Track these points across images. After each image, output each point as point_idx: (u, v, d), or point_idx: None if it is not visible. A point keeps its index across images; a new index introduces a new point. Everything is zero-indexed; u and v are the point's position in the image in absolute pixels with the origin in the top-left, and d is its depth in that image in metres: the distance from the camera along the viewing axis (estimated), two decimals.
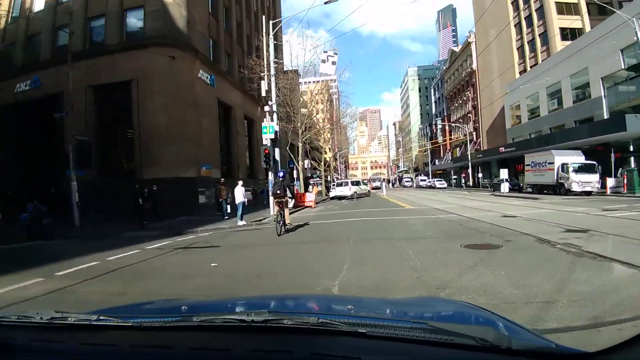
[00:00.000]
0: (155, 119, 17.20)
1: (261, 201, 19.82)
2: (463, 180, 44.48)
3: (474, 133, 50.47)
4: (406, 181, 70.96)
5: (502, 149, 34.32)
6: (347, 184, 29.96)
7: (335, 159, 72.78)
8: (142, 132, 17.34)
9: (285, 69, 24.31)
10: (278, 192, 8.66)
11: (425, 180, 57.62)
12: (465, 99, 53.94)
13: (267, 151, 14.71)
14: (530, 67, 41.11)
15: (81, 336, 1.06)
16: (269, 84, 15.51)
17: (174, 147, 16.87)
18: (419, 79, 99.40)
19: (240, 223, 11.66)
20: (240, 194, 11.68)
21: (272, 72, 15.73)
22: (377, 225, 10.05)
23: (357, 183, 30.63)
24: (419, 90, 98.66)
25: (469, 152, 41.23)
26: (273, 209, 14.85)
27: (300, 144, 23.17)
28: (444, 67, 67.67)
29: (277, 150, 16.00)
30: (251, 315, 0.99)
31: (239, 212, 11.63)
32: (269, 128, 15.07)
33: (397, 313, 1.44)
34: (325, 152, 50.02)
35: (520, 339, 0.96)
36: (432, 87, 77.05)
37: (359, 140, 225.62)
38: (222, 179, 15.55)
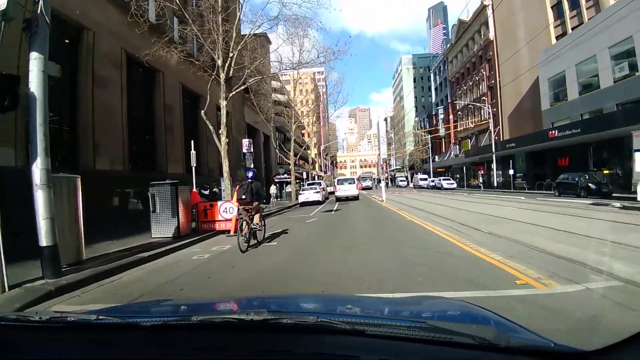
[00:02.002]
0: None
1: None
2: (481, 179, 33.81)
3: (491, 121, 39.95)
4: (400, 181, 60.72)
5: (554, 133, 23.58)
6: (318, 185, 19.18)
7: (319, 154, 61.86)
8: None
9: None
10: (243, 197, 6.74)
11: (426, 179, 47.22)
12: (477, 78, 43.39)
13: None
14: (572, 28, 30.49)
15: (80, 336, 1.04)
16: None
17: None
18: (413, 68, 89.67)
19: None
20: None
21: None
22: None
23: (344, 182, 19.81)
24: (414, 81, 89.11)
25: (493, 142, 30.51)
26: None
27: (223, 104, 11.71)
28: (448, 45, 57.14)
29: (38, 58, 4.51)
30: (250, 315, 0.96)
31: None
32: None
33: (397, 312, 1.42)
34: (309, 148, 39.76)
35: (518, 338, 0.95)
36: (432, 72, 66.58)
37: (347, 138, 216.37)
38: None
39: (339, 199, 20.88)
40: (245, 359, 0.91)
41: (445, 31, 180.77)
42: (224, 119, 11.62)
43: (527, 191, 24.93)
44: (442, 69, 60.11)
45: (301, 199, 19.98)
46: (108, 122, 12.90)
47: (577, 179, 17.94)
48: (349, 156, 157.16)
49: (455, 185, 37.42)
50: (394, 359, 0.84)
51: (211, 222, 8.96)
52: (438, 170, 51.72)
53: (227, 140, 11.57)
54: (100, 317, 1.07)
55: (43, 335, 1.05)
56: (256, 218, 6.98)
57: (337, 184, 22.61)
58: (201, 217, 8.98)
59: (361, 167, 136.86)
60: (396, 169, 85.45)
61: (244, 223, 6.66)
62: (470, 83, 45.51)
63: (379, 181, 75.77)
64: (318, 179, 39.34)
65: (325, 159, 70.16)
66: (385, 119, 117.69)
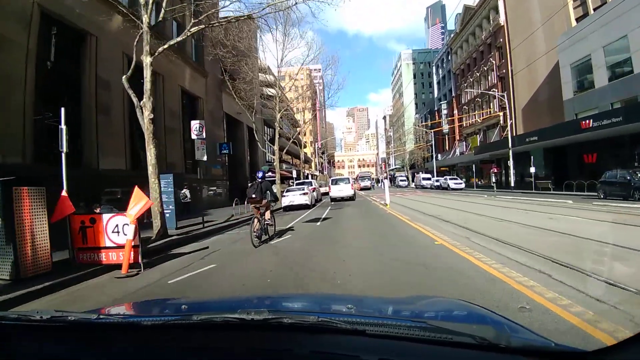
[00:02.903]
0: None
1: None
2: (494, 178, 30.09)
3: (507, 112, 36.29)
4: (401, 180, 56.94)
5: (587, 123, 19.85)
6: (308, 184, 15.84)
7: (315, 152, 58.45)
8: None
9: None
10: (253, 196, 7.14)
11: (429, 178, 43.54)
12: (486, 68, 39.66)
13: None
14: (594, 9, 26.84)
15: (81, 335, 1.04)
16: None
17: None
18: (413, 64, 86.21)
19: None
20: None
21: None
22: None
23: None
24: (414, 77, 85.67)
25: (509, 136, 26.76)
26: None
27: (147, 61, 7.71)
28: (451, 36, 53.38)
29: None
30: (251, 314, 0.96)
31: None
32: None
33: (397, 312, 1.41)
34: (299, 144, 35.99)
35: (519, 338, 0.95)
36: (435, 64, 62.90)
37: (345, 137, 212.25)
38: None
39: (333, 200, 20.04)
40: (245, 359, 0.90)
41: (443, 30, 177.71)
42: (147, 85, 7.69)
43: (554, 192, 21.18)
44: (445, 61, 56.36)
45: (284, 202, 16.13)
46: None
47: (629, 178, 14.18)
48: (347, 156, 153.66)
49: (463, 185, 33.69)
50: (395, 358, 0.83)
51: (94, 250, 5.05)
52: (441, 169, 48.05)
53: (151, 116, 7.63)
54: (101, 317, 1.06)
55: (44, 334, 1.04)
56: (267, 214, 7.33)
57: (332, 184, 21.67)
58: (77, 240, 5.08)
59: (359, 166, 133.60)
60: (395, 168, 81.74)
61: (255, 220, 7.00)
62: (478, 74, 41.74)
63: (378, 181, 71.64)
64: (312, 178, 35.44)
65: (321, 157, 66.32)
66: (384, 117, 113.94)
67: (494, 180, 30.12)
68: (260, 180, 7.30)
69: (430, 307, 1.46)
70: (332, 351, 0.86)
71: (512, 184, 25.96)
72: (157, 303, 1.92)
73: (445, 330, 0.86)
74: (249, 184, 7.60)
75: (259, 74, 23.41)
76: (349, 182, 21.17)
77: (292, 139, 24.62)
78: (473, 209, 11.49)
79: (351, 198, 20.07)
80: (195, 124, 9.88)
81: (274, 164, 20.74)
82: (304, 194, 16.40)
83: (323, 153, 66.20)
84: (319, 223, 10.06)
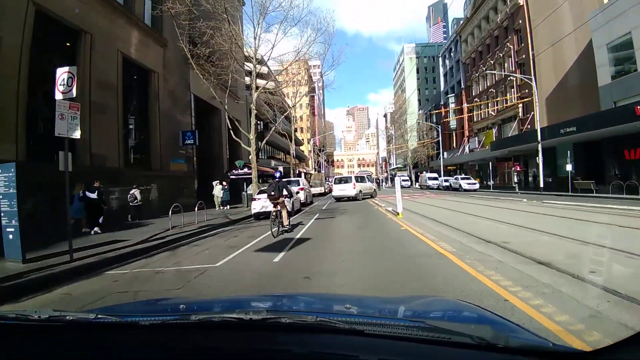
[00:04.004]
0: None
1: None
2: (516, 178, 25.86)
3: (520, 107, 32.02)
4: (403, 180, 52.51)
5: None
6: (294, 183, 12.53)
7: (313, 151, 54.25)
8: None
9: None
10: (272, 193, 8.18)
11: (436, 178, 39.42)
12: (502, 55, 35.26)
13: None
14: None
15: (79, 335, 1.03)
16: None
17: None
18: (417, 58, 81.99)
19: None
20: None
21: None
22: None
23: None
24: (417, 72, 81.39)
25: (538, 128, 22.32)
26: None
27: None
28: (460, 22, 48.98)
29: None
30: (249, 314, 0.97)
31: None
32: None
33: (396, 312, 1.39)
34: (301, 143, 32.00)
35: (517, 338, 0.95)
36: (441, 55, 58.44)
37: (345, 136, 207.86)
38: None
39: (338, 199, 20.46)
40: (244, 358, 0.90)
41: (445, 29, 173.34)
42: None
43: (598, 195, 16.82)
44: (453, 50, 51.95)
45: (255, 207, 11.80)
46: None
47: None
48: (347, 155, 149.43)
49: (477, 186, 29.35)
50: (393, 358, 0.83)
51: None
52: (448, 168, 43.79)
53: None
54: (100, 316, 1.06)
55: (42, 334, 1.02)
56: (284, 211, 8.29)
57: (334, 183, 22.87)
58: None
59: (359, 166, 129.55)
60: (396, 167, 77.36)
61: (274, 215, 7.95)
62: (492, 62, 37.31)
63: (379, 181, 67.29)
64: (305, 177, 31.10)
65: (319, 154, 61.97)
66: (385, 115, 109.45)
67: (515, 180, 25.84)
68: (277, 179, 8.35)
69: (428, 307, 1.45)
70: (331, 351, 0.86)
71: (542, 185, 21.59)
72: (156, 303, 1.87)
73: (443, 330, 0.86)
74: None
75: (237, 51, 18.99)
76: (352, 182, 20.82)
77: (274, 127, 20.24)
78: (544, 225, 7.00)
79: (355, 198, 20.13)
80: (62, 74, 5.50)
81: (250, 157, 16.38)
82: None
83: (320, 150, 61.82)
84: (278, 258, 5.45)
